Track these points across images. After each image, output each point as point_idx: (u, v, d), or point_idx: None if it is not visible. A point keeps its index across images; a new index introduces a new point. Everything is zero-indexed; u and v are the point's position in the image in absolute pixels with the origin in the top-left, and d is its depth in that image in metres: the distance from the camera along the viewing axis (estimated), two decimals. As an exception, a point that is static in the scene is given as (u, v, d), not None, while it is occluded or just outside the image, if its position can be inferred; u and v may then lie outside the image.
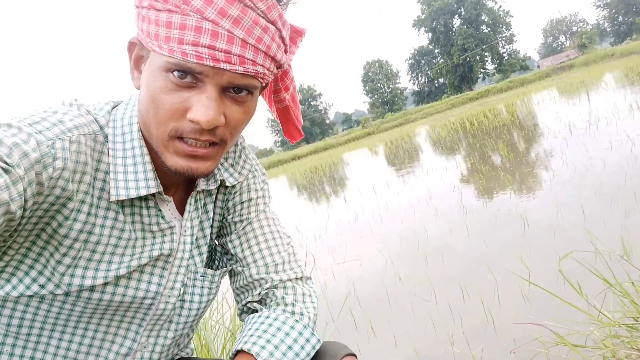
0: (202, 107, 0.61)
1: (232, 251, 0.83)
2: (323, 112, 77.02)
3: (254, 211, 0.84)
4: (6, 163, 0.52)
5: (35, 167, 0.55)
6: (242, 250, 0.82)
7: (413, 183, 6.64)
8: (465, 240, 3.40)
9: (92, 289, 0.68)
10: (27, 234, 0.61)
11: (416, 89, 76.41)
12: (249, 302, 0.82)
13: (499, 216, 3.70)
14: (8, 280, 0.65)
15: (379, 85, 74.29)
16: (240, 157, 0.85)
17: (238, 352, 0.72)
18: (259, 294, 0.80)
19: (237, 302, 0.85)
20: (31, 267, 0.64)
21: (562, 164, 4.65)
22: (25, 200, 0.54)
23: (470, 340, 1.97)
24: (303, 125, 0.95)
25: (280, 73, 0.81)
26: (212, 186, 0.79)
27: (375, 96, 74.27)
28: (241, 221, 0.83)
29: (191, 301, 0.80)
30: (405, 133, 21.60)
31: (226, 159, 0.83)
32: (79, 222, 0.64)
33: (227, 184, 0.81)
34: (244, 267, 0.82)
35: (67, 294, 0.66)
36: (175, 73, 0.61)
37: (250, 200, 0.84)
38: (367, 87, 74.64)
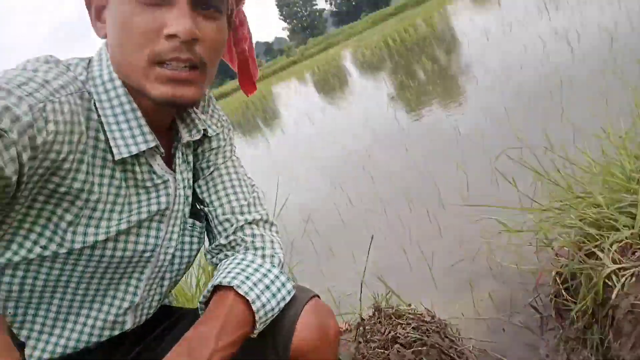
0: (176, 18, 0.62)
1: (200, 196, 0.85)
2: (243, 44, 73.67)
3: (221, 157, 0.86)
4: None
5: (28, 131, 0.53)
6: (210, 195, 0.84)
7: (347, 107, 6.73)
8: (404, 156, 3.59)
9: (94, 245, 0.68)
10: (24, 201, 0.61)
11: (334, 9, 74.67)
12: (219, 247, 0.83)
13: (433, 129, 3.91)
14: (7, 248, 0.64)
15: (295, 9, 71.73)
16: (208, 106, 0.86)
17: (215, 287, 0.73)
18: (227, 237, 0.82)
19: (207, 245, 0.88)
20: (30, 231, 0.64)
21: (484, 72, 4.89)
22: (21, 165, 0.53)
23: (421, 246, 2.16)
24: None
25: (238, 22, 0.83)
26: (197, 137, 0.80)
27: (294, 21, 71.93)
28: (208, 167, 0.85)
29: (182, 250, 0.83)
30: (332, 57, 21.39)
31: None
32: (78, 181, 0.64)
33: (209, 134, 0.82)
34: (210, 209, 0.83)
35: (69, 253, 0.67)
36: None
37: (218, 147, 0.86)
38: (284, 13, 71.95)
